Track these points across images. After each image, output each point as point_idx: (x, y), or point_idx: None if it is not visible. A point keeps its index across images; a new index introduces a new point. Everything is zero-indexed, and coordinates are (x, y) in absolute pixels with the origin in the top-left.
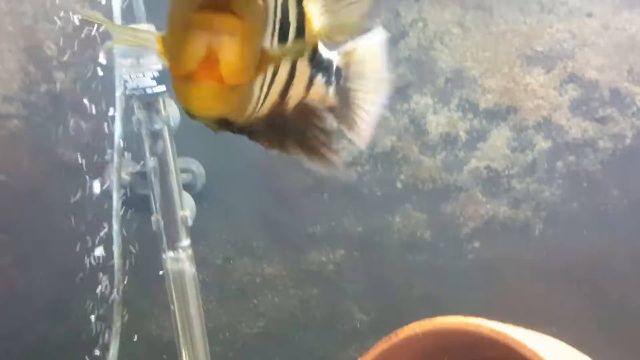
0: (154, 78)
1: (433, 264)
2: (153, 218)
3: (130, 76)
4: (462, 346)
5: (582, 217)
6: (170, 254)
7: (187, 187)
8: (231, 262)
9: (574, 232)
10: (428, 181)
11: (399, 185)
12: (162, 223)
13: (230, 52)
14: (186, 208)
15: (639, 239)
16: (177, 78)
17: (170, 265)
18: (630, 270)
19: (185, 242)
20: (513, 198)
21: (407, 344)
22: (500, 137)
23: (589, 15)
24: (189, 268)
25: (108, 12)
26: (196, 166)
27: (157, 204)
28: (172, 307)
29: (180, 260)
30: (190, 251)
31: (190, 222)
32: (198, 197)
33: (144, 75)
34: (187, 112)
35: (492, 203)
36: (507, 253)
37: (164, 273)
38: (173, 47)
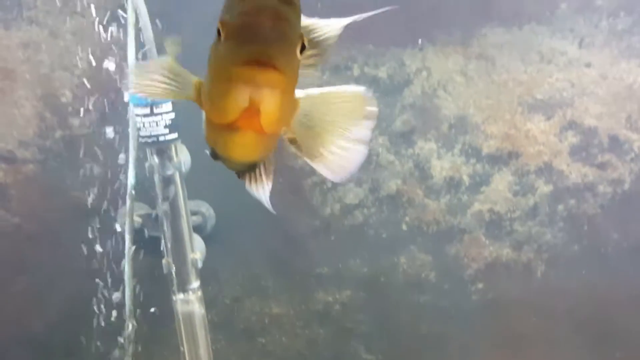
0: (167, 126)
1: (438, 304)
2: (164, 261)
3: (144, 124)
4: None
5: (582, 259)
6: (181, 295)
7: (198, 228)
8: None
9: (575, 274)
10: (432, 224)
11: (404, 227)
12: (172, 266)
13: (271, 104)
14: (196, 250)
15: (636, 279)
16: (217, 126)
17: (180, 307)
18: (630, 310)
19: (195, 284)
20: (515, 240)
21: None
22: (502, 182)
23: (588, 65)
24: (198, 309)
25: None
26: (206, 208)
27: (168, 247)
28: (181, 348)
29: (190, 302)
30: (199, 293)
31: (200, 264)
32: (208, 239)
33: (157, 124)
34: (219, 157)
35: (495, 245)
36: (510, 294)
37: (174, 314)
38: (214, 97)
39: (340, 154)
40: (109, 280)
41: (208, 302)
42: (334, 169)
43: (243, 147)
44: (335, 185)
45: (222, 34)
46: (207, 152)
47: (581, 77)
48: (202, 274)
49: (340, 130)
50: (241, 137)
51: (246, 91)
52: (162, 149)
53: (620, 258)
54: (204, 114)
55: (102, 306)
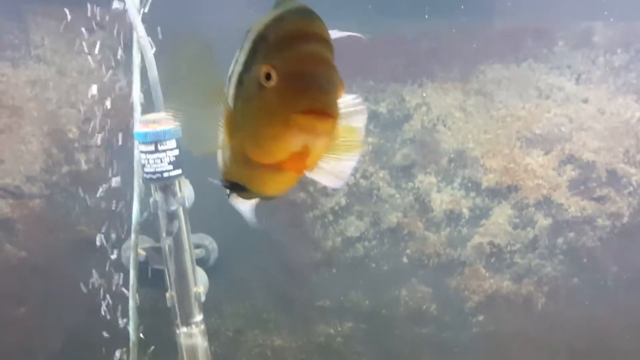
0: (171, 163)
1: (439, 336)
2: (167, 295)
3: (148, 161)
4: None
5: (582, 292)
6: (184, 329)
7: (201, 261)
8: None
9: (575, 306)
10: (433, 256)
11: (405, 260)
12: (176, 299)
13: (322, 148)
14: (199, 284)
15: (636, 312)
16: (256, 165)
17: (183, 340)
18: (630, 342)
19: (198, 317)
20: (515, 273)
21: None
22: (502, 215)
23: (585, 100)
24: (201, 342)
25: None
26: (209, 241)
27: (172, 281)
28: None
29: (193, 335)
30: (202, 326)
31: (203, 298)
32: (211, 271)
33: (161, 161)
34: (238, 189)
35: (495, 278)
36: (511, 326)
37: (177, 347)
38: (263, 139)
39: (337, 161)
40: (114, 313)
41: (210, 334)
42: (333, 176)
43: (284, 185)
44: (336, 218)
45: (273, 78)
46: (219, 182)
47: (579, 113)
48: (205, 307)
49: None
50: (284, 176)
51: (303, 138)
52: (166, 184)
53: (620, 290)
54: (223, 149)
55: (107, 339)
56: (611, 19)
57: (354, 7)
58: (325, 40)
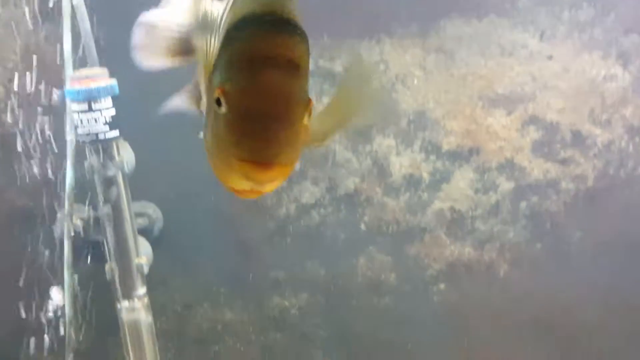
0: (107, 123)
1: (398, 307)
2: (107, 267)
3: (82, 121)
4: None
5: (545, 258)
6: (125, 303)
7: (144, 232)
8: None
9: (539, 273)
10: (392, 223)
11: (362, 227)
12: (116, 271)
13: (274, 186)
14: (142, 255)
15: (601, 279)
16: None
17: (125, 315)
18: (593, 310)
19: (141, 290)
20: (477, 240)
21: None
22: (463, 179)
23: (550, 58)
24: (145, 317)
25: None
26: (153, 210)
27: (111, 252)
28: (127, 358)
29: (135, 309)
30: (146, 300)
31: (146, 270)
32: (155, 243)
33: (96, 121)
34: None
35: (456, 244)
36: (472, 295)
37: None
38: (216, 163)
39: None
40: (48, 288)
41: (156, 310)
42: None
43: (245, 194)
44: (290, 184)
45: (223, 107)
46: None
47: (543, 71)
48: (150, 281)
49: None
50: (246, 194)
51: (247, 183)
52: (102, 147)
53: (584, 256)
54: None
55: (41, 316)
56: None
57: None
58: (291, 62)
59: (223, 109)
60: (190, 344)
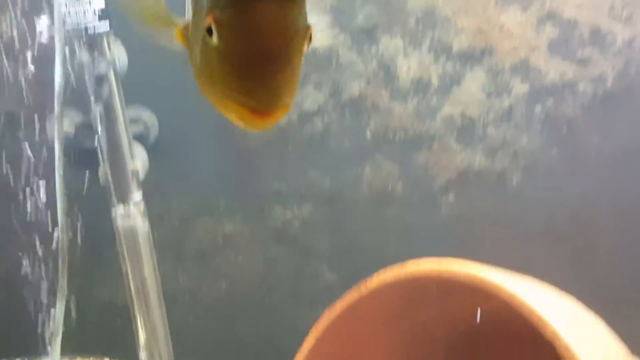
0: (96, 14)
1: (405, 218)
2: (100, 171)
3: (69, 12)
4: (438, 294)
5: (561, 165)
6: (120, 209)
7: (139, 138)
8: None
9: (553, 181)
10: (399, 130)
11: (368, 135)
12: (110, 175)
13: (279, 118)
14: (137, 160)
15: (620, 186)
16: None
17: (120, 222)
18: (611, 218)
19: (137, 196)
20: (489, 147)
21: (377, 295)
22: (474, 82)
23: None
24: (141, 224)
25: None
26: (148, 116)
27: (105, 155)
28: (123, 267)
29: (131, 215)
30: (142, 206)
31: (142, 175)
32: (151, 151)
33: (85, 13)
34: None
35: (466, 152)
36: (483, 205)
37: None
38: (205, 89)
39: None
40: (39, 195)
41: (154, 221)
42: None
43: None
44: None
45: (214, 37)
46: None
47: None
48: (147, 192)
49: None
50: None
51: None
52: (92, 42)
53: (601, 162)
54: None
55: (31, 225)
56: None
57: None
58: None
59: (214, 40)
60: (189, 257)
